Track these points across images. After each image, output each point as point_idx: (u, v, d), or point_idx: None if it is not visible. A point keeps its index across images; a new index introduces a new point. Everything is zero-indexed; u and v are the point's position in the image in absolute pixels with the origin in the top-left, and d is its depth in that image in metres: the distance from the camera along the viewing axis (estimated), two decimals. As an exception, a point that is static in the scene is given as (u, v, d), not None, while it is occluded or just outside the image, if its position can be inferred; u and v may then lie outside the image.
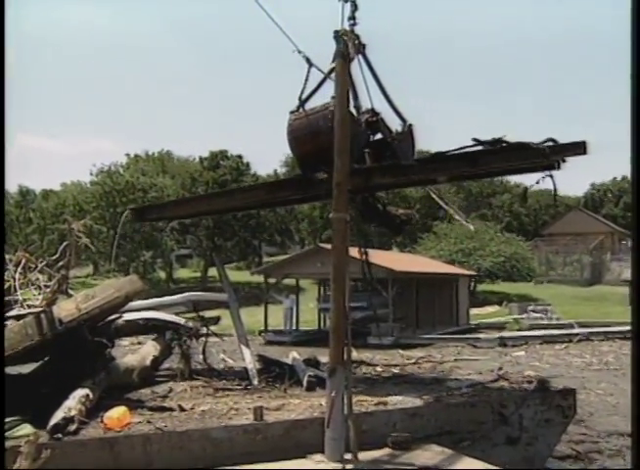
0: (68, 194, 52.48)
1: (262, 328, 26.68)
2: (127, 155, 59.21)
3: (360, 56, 10.49)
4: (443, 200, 12.03)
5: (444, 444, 7.01)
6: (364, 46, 11.04)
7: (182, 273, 57.63)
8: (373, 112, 10.29)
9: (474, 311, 34.60)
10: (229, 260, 56.20)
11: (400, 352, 18.91)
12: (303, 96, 10.21)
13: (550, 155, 7.58)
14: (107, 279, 38.91)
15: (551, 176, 7.83)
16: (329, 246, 10.67)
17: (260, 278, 29.90)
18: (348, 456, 6.20)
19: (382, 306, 24.33)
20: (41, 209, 52.12)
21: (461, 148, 8.53)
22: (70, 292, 8.63)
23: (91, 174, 51.54)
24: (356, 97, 10.98)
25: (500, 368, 11.63)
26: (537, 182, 8.02)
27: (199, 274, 52.87)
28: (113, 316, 8.96)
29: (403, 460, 6.41)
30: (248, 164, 50.36)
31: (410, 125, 10.62)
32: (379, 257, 27.03)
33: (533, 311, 32.86)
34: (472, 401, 8.10)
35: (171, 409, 7.44)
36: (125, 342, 15.89)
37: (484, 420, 7.83)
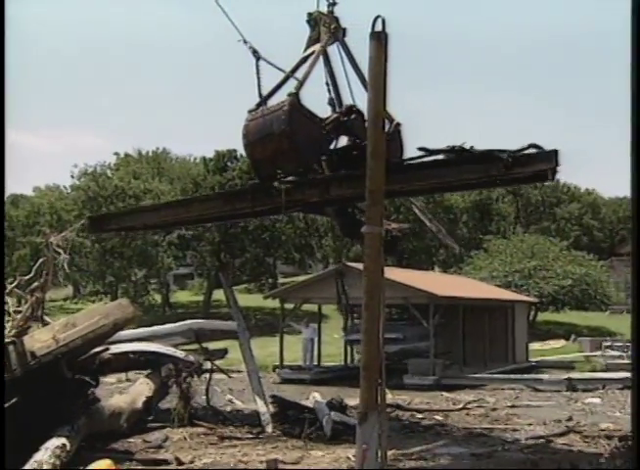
0: (44, 200, 53.08)
1: (277, 363, 26.57)
2: (116, 154, 59.91)
3: (338, 43, 10.62)
4: (426, 214, 12.12)
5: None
6: (344, 31, 11.12)
7: (181, 296, 57.89)
8: (348, 110, 10.35)
9: (534, 346, 34.10)
10: (238, 282, 56.30)
11: (444, 394, 18.69)
12: (263, 92, 10.41)
13: (513, 166, 7.74)
14: (91, 303, 39.26)
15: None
16: (358, 265, 10.65)
17: (275, 303, 29.82)
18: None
19: (421, 339, 24.06)
20: (10, 217, 52.70)
21: (419, 156, 8.71)
22: (47, 319, 8.67)
23: (72, 177, 52.10)
24: (336, 89, 11.10)
25: (570, 418, 11.40)
26: None
27: (201, 298, 53.04)
28: (97, 348, 8.98)
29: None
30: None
31: (398, 124, 10.69)
32: (417, 278, 26.81)
33: (610, 348, 32.19)
34: (534, 460, 7.90)
35: (167, 462, 7.39)
36: (112, 379, 15.95)
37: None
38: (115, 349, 9.89)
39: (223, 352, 12.89)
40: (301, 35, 10.73)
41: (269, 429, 9.41)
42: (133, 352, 10.45)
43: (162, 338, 11.61)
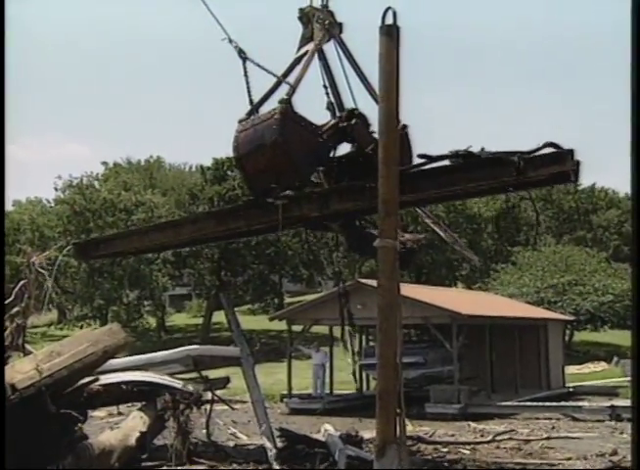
0: (24, 215, 53.40)
1: (285, 392, 26.53)
2: (105, 164, 60.26)
3: (334, 40, 10.62)
4: (439, 224, 12.14)
5: None
6: (340, 26, 11.12)
7: (178, 319, 58.00)
8: (348, 114, 10.34)
9: (571, 370, 33.90)
10: (240, 302, 56.29)
11: (471, 424, 18.61)
12: (254, 97, 10.45)
13: (526, 170, 7.72)
14: (78, 329, 39.34)
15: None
16: (372, 282, 10.63)
17: (282, 325, 29.82)
18: None
19: (444, 363, 23.98)
20: (-15, 234, 53.00)
21: (422, 163, 8.74)
22: (28, 347, 8.69)
23: (56, 189, 52.42)
24: (335, 91, 11.11)
25: (614, 452, 11.29)
26: None
27: (200, 321, 53.10)
28: (86, 379, 8.98)
29: None
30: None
31: (404, 127, 10.71)
32: (438, 295, 26.75)
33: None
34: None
35: (163, 505, 7.38)
36: (102, 413, 15.96)
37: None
38: (106, 379, 9.90)
39: (225, 381, 12.89)
40: (295, 32, 10.75)
41: (276, 466, 9.38)
42: (125, 383, 10.46)
43: (158, 366, 11.61)
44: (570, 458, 10.70)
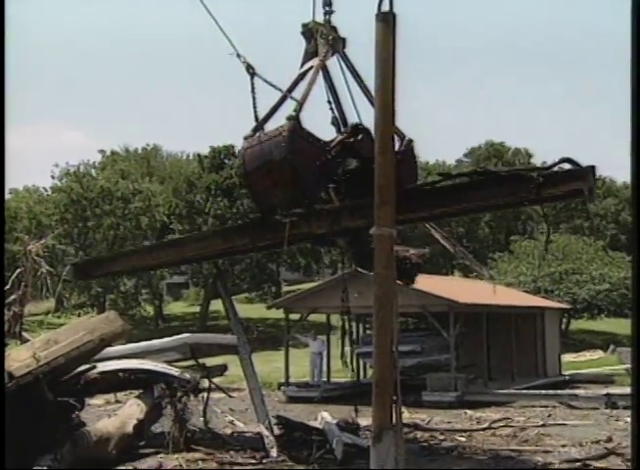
0: (21, 203, 53.30)
1: (282, 380, 26.59)
2: (102, 152, 60.12)
3: (338, 55, 10.59)
4: (449, 239, 12.17)
5: None
6: (344, 41, 11.09)
7: (175, 308, 58.05)
8: (353, 129, 10.31)
9: (567, 358, 34.00)
10: (237, 290, 56.28)
11: (467, 412, 18.66)
12: (258, 115, 10.43)
13: (544, 186, 7.74)
14: (75, 317, 39.35)
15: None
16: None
17: (279, 313, 29.85)
18: None
19: (440, 351, 24.03)
20: (-18, 223, 52.94)
21: (438, 181, 8.77)
22: (25, 335, 8.69)
23: (53, 178, 52.34)
24: (339, 107, 11.09)
25: (609, 439, 11.36)
26: None
27: (197, 309, 53.13)
28: (83, 367, 9.00)
29: None
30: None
31: (410, 141, 10.70)
32: (436, 284, 26.76)
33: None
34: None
35: (160, 492, 7.41)
36: (99, 400, 15.99)
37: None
38: (103, 367, 9.92)
39: (222, 369, 12.92)
40: (298, 45, 10.68)
41: (274, 453, 9.42)
42: (123, 371, 10.48)
43: (155, 354, 11.64)
44: (565, 445, 10.76)
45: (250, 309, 42.12)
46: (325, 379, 26.77)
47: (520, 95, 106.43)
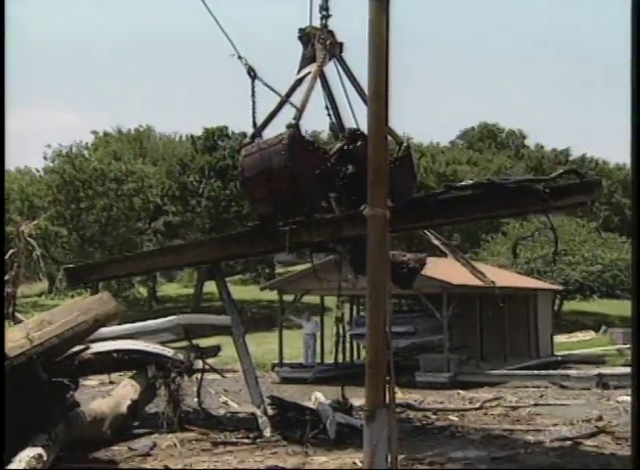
0: (14, 184, 53.00)
1: (276, 361, 26.69)
2: (94, 133, 59.84)
3: (335, 59, 10.52)
4: (449, 245, 12.22)
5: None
6: (341, 45, 11.01)
7: (169, 289, 58.04)
8: (351, 135, 10.27)
9: (560, 339, 34.19)
10: (231, 272, 56.21)
11: (460, 392, 18.78)
12: (257, 120, 10.39)
13: (551, 200, 7.78)
14: (69, 299, 39.31)
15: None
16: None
17: (273, 295, 29.92)
18: None
19: (434, 332, 24.13)
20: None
21: (441, 192, 8.78)
22: (19, 316, 8.70)
23: (45, 159, 52.07)
24: (337, 113, 11.06)
25: (600, 418, 11.46)
26: None
27: (191, 291, 53.19)
28: (77, 348, 9.01)
29: None
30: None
31: (408, 147, 10.67)
32: (430, 265, 26.79)
33: (645, 339, 32.27)
34: (561, 464, 7.97)
35: (155, 472, 7.45)
36: (94, 381, 16.03)
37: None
38: (97, 348, 9.94)
39: (216, 350, 12.94)
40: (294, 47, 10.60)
41: (267, 433, 9.47)
42: (117, 352, 10.50)
43: (149, 335, 11.66)
44: (556, 424, 10.85)
45: (243, 291, 42.16)
46: (318, 360, 26.89)
47: (514, 76, 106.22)
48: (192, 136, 53.24)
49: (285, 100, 10.28)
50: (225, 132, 51.71)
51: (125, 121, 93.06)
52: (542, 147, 75.79)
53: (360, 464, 6.67)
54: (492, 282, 15.55)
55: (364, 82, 10.16)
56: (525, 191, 8.01)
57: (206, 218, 48.27)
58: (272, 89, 10.40)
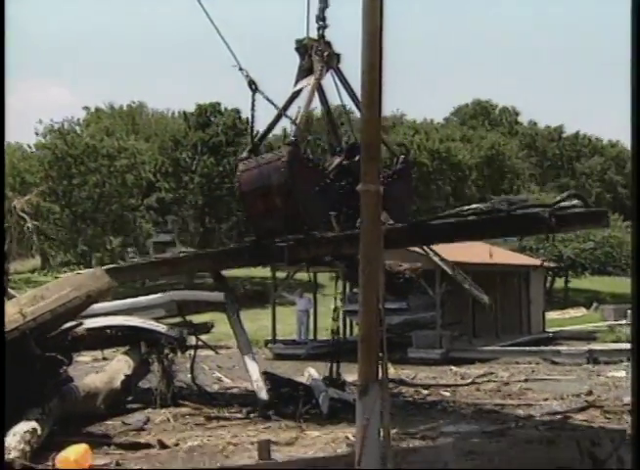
0: (5, 160, 52.71)
1: (269, 338, 26.76)
2: (86, 108, 59.52)
3: (332, 71, 10.40)
4: (447, 262, 12.24)
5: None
6: (338, 57, 10.88)
7: (162, 266, 57.97)
8: (349, 150, 10.17)
9: (551, 316, 34.36)
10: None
11: (452, 368, 18.89)
12: (255, 129, 10.30)
13: (557, 227, 7.80)
14: (61, 275, 39.24)
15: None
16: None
17: (266, 271, 29.90)
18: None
19: (426, 308, 24.19)
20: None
21: (447, 215, 8.80)
22: (11, 292, 8.67)
23: (37, 134, 51.76)
24: (334, 127, 10.97)
25: (590, 392, 11.56)
26: None
27: (184, 267, 53.12)
28: (70, 324, 9.02)
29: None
30: (247, 122, 50.24)
31: (405, 159, 10.63)
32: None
33: (636, 316, 32.45)
34: (551, 437, 8.04)
35: (149, 446, 7.50)
36: (87, 357, 16.06)
37: (569, 463, 7.77)
38: (90, 324, 9.93)
39: (209, 326, 12.96)
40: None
41: (263, 395, 9.48)
42: (110, 328, 10.49)
43: (142, 311, 11.64)
44: (547, 399, 10.95)
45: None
46: (312, 337, 26.97)
47: (507, 52, 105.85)
48: (184, 112, 52.96)
49: (282, 113, 10.25)
50: (218, 108, 51.40)
51: (117, 97, 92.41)
52: (535, 124, 75.72)
53: (353, 438, 6.72)
54: (486, 300, 15.68)
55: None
56: (531, 218, 8.00)
57: (199, 195, 48.14)
58: (272, 102, 10.34)
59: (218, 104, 51.41)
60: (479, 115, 76.73)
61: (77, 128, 51.54)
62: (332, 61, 10.33)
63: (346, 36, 10.35)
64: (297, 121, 9.80)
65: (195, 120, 49.98)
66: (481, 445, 7.61)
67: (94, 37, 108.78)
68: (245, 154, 10.15)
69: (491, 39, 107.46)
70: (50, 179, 45.47)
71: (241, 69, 10.30)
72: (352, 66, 10.03)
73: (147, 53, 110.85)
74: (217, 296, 12.42)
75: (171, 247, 63.17)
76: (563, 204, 8.32)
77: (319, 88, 10.25)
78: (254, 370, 10.33)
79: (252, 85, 10.33)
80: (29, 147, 53.53)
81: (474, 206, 8.94)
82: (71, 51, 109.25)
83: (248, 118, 53.12)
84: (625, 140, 75.94)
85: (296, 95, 10.36)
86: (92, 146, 46.12)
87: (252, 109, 10.24)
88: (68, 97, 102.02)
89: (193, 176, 48.91)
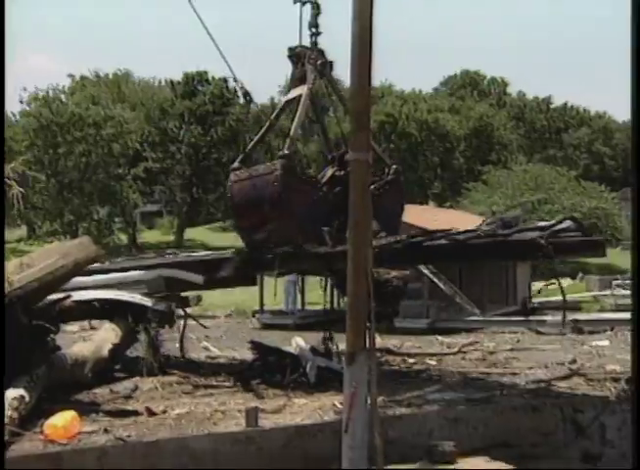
0: (-12, 129, 52.11)
1: (257, 307, 26.83)
2: (71, 76, 58.83)
3: (325, 79, 10.28)
4: (438, 275, 12.23)
5: (498, 459, 7.09)
6: (331, 64, 10.74)
7: (149, 236, 57.90)
8: (341, 159, 10.07)
9: (537, 286, 34.59)
10: (212, 219, 56.17)
11: (438, 338, 19.02)
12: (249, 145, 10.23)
13: (555, 256, 7.83)
14: (47, 244, 39.07)
15: None
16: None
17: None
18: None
19: (413, 279, 24.26)
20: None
21: (442, 236, 8.83)
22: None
23: (21, 102, 51.19)
24: (326, 137, 10.87)
25: (573, 361, 11.69)
26: None
27: (172, 238, 53.08)
28: (57, 296, 8.98)
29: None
30: (235, 91, 50.02)
31: (397, 170, 10.59)
32: (409, 213, 26.84)
33: (620, 287, 32.73)
34: (535, 404, 8.15)
35: (136, 413, 7.54)
36: (75, 327, 16.06)
37: (552, 430, 7.88)
38: (78, 296, 9.89)
39: (197, 298, 12.94)
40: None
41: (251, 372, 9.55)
42: (98, 301, 10.46)
43: (129, 286, 11.56)
44: (531, 367, 11.06)
45: (224, 238, 42.13)
46: (300, 307, 27.06)
47: (498, 23, 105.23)
48: (171, 81, 52.49)
49: (273, 123, 10.19)
50: (205, 77, 50.93)
51: (103, 65, 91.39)
52: (524, 95, 75.58)
53: (340, 406, 6.79)
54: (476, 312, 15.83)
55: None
56: (528, 245, 8.02)
57: (187, 165, 47.90)
58: (264, 113, 10.31)
59: (205, 73, 50.91)
60: (467, 85, 76.44)
61: (62, 96, 50.97)
62: (325, 69, 10.23)
63: (338, 43, 10.29)
64: (291, 134, 9.70)
65: (182, 89, 49.53)
66: (467, 412, 7.70)
67: (78, 2, 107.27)
68: (236, 164, 10.06)
69: (481, 10, 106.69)
70: (35, 148, 45.07)
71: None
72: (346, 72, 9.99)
73: (133, 18, 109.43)
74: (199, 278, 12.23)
75: (158, 217, 63.03)
76: (558, 227, 8.40)
77: (312, 97, 10.16)
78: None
79: (247, 96, 10.36)
80: (14, 115, 52.96)
81: (473, 229, 9.02)
82: (56, 17, 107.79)
83: (235, 88, 52.79)
84: (613, 112, 75.96)
85: (287, 104, 10.31)
86: (78, 114, 45.69)
87: (246, 119, 10.35)
88: (52, 65, 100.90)
89: (180, 146, 48.60)
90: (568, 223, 8.47)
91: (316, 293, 29.35)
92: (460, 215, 37.29)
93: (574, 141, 68.75)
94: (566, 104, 71.54)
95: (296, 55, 10.04)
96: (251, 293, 27.75)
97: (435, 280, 12.16)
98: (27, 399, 6.89)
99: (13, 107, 57.39)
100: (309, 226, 9.48)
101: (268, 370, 10.26)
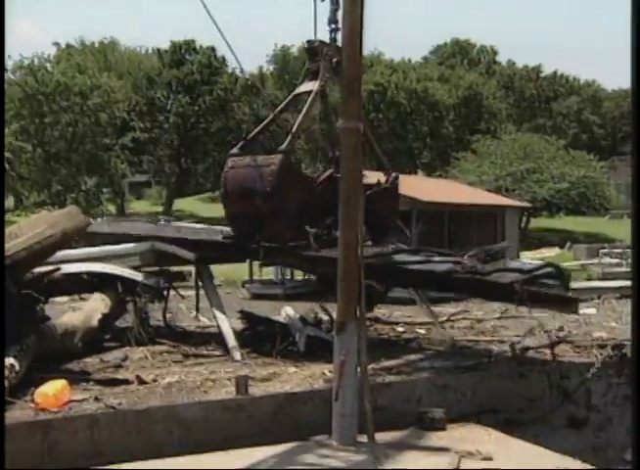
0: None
1: (246, 277, 26.87)
2: (56, 44, 58.17)
3: (337, 77, 10.06)
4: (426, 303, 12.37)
5: (486, 425, 7.17)
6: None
7: (138, 206, 57.71)
8: (337, 159, 9.91)
9: (526, 255, 34.84)
10: (201, 190, 55.99)
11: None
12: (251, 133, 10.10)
13: (528, 304, 8.21)
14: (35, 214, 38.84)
15: None
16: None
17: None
18: (362, 438, 6.34)
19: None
20: None
21: (422, 261, 8.90)
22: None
23: (5, 70, 50.56)
24: (331, 136, 10.71)
25: (560, 328, 11.79)
26: None
27: (160, 208, 52.91)
28: (45, 268, 8.95)
29: (435, 444, 6.56)
30: (223, 60, 49.58)
31: (396, 178, 10.49)
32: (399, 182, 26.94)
33: (607, 255, 32.95)
34: (522, 371, 8.23)
35: (127, 382, 7.56)
36: (63, 298, 16.03)
37: (539, 396, 7.98)
38: (67, 269, 9.85)
39: (185, 274, 12.90)
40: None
41: (237, 356, 9.53)
42: (87, 273, 10.42)
43: (119, 259, 11.50)
44: (519, 335, 11.14)
45: (213, 208, 42.04)
46: (289, 277, 27.12)
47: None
48: (158, 50, 51.94)
49: (277, 115, 10.03)
50: (193, 46, 50.41)
51: (88, 33, 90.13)
52: (514, 63, 75.29)
53: (330, 374, 6.84)
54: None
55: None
56: (503, 288, 8.15)
57: (175, 135, 47.57)
58: (272, 105, 10.18)
59: (193, 41, 50.37)
60: (457, 53, 76.06)
61: (48, 65, 50.35)
62: (339, 67, 10.07)
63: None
64: (294, 130, 9.55)
65: (169, 58, 49.05)
66: (455, 379, 7.77)
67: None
68: (236, 150, 9.92)
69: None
70: (21, 117, 44.63)
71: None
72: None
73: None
74: (190, 255, 12.18)
75: (147, 187, 62.76)
76: (539, 272, 8.55)
77: (322, 95, 9.97)
78: (228, 333, 10.22)
79: (255, 89, 10.24)
80: (-2, 84, 52.31)
81: (456, 258, 9.20)
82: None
83: (223, 57, 52.27)
84: (601, 79, 75.69)
85: (294, 98, 10.13)
86: (64, 83, 45.18)
87: (253, 110, 10.20)
88: (37, 33, 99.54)
89: (168, 116, 48.23)
90: (549, 269, 8.66)
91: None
92: (449, 184, 37.35)
93: (563, 110, 68.67)
94: (555, 72, 71.33)
95: (313, 49, 9.83)
96: (239, 264, 27.78)
97: (427, 311, 12.25)
98: (18, 367, 6.90)
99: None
100: (300, 225, 9.41)
101: (258, 339, 10.29)
